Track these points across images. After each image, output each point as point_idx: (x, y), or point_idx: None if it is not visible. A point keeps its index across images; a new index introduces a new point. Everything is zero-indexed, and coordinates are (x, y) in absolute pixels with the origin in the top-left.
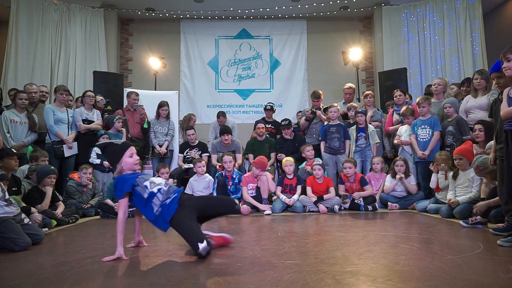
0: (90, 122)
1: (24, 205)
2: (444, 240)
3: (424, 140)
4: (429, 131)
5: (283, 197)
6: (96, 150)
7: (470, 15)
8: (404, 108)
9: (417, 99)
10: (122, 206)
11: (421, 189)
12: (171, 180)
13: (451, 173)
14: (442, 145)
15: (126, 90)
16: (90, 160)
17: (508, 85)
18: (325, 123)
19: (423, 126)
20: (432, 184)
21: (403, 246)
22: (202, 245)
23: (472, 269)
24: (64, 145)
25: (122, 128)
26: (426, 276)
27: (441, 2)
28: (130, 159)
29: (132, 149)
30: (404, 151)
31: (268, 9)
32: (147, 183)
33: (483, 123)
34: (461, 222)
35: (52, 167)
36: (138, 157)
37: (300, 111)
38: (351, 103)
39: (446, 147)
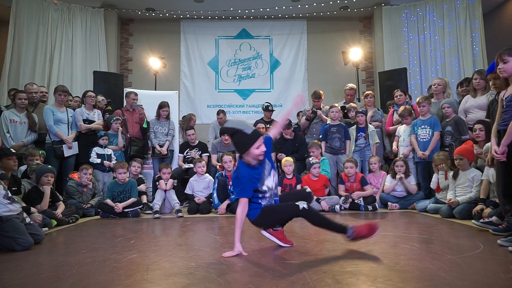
0: (91, 122)
1: (24, 205)
2: (444, 240)
3: (424, 140)
4: (429, 131)
5: None
6: (96, 150)
7: (470, 15)
8: (401, 108)
9: (417, 99)
10: (242, 204)
11: (421, 189)
12: (171, 181)
13: (451, 173)
14: (441, 145)
15: (126, 90)
16: (90, 159)
17: (504, 87)
18: (329, 121)
19: (423, 126)
20: (433, 185)
21: (403, 246)
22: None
23: (472, 269)
24: (64, 145)
25: (119, 128)
26: (426, 276)
27: (441, 2)
28: (256, 150)
29: (261, 140)
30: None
31: (268, 9)
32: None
33: (483, 122)
34: (473, 221)
35: (49, 166)
36: (265, 148)
37: (301, 111)
38: (349, 104)
39: (445, 147)
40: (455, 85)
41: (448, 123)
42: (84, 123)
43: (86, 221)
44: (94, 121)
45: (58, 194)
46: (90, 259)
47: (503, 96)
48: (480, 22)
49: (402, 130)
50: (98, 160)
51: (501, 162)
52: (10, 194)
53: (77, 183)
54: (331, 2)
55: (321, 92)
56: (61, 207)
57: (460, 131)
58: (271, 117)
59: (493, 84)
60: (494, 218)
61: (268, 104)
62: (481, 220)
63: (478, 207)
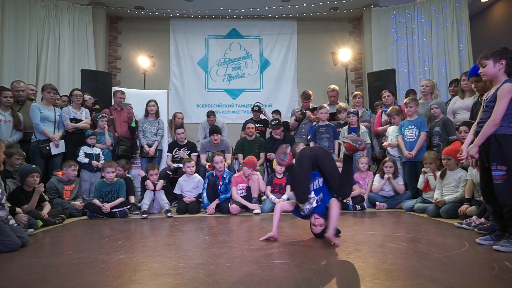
0: (78, 121)
1: (9, 205)
2: (430, 239)
3: (410, 140)
4: (415, 132)
5: (272, 197)
6: (84, 149)
7: (457, 17)
8: (390, 108)
9: (405, 100)
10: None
11: (408, 189)
12: (161, 181)
13: (438, 173)
14: (429, 145)
15: (114, 89)
16: (78, 159)
17: (486, 89)
18: (313, 123)
19: (410, 127)
20: (420, 185)
21: (391, 245)
22: None
23: (458, 267)
24: (50, 143)
25: (105, 126)
26: (413, 275)
27: (429, 4)
28: None
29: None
30: (391, 153)
31: (258, 9)
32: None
33: (469, 124)
34: (456, 223)
35: (34, 166)
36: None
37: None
38: (339, 104)
39: (433, 147)
40: (442, 86)
41: (437, 123)
42: (71, 122)
43: (73, 221)
44: (81, 120)
45: (43, 194)
46: (76, 260)
47: (485, 97)
48: (466, 25)
49: (390, 130)
50: (86, 160)
51: (481, 163)
52: (3, 201)
53: (58, 179)
54: (321, 3)
55: (311, 92)
56: (47, 208)
57: (448, 131)
58: (260, 117)
59: (475, 86)
60: (474, 218)
61: (258, 105)
62: (464, 221)
63: (463, 206)
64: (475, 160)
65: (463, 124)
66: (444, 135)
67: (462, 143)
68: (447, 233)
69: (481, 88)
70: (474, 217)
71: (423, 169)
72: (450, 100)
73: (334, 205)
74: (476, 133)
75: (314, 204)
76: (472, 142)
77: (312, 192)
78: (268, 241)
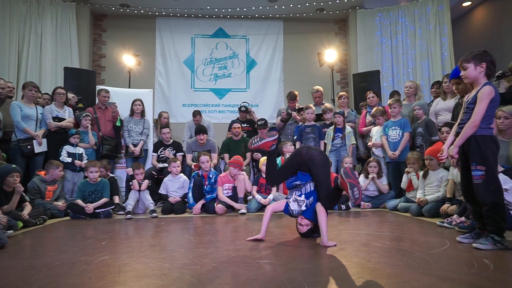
0: (61, 119)
1: None
2: (413, 238)
3: (394, 140)
4: (399, 132)
5: (258, 197)
6: (67, 148)
7: (439, 20)
8: (374, 109)
9: (389, 101)
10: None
11: (392, 188)
12: (146, 181)
13: (421, 173)
14: (412, 146)
15: (99, 87)
16: (60, 158)
17: (467, 91)
18: (300, 123)
19: (393, 127)
20: (403, 185)
21: (375, 244)
22: None
23: (439, 265)
24: (34, 141)
25: (88, 125)
26: (396, 273)
27: (413, 7)
28: None
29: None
30: (375, 154)
31: (245, 9)
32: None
33: (450, 125)
34: (438, 222)
35: (14, 166)
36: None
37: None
38: (325, 104)
39: (416, 147)
40: (425, 88)
41: (419, 124)
42: (54, 120)
43: (54, 222)
44: (64, 119)
45: (24, 194)
46: (58, 262)
47: (466, 99)
48: (448, 28)
49: (375, 131)
50: (69, 159)
51: (462, 164)
52: None
53: (41, 179)
54: (307, 4)
55: (296, 93)
56: (27, 208)
57: (430, 132)
58: (246, 117)
59: (456, 88)
60: (455, 216)
61: (245, 105)
62: (446, 220)
63: (445, 206)
64: (456, 160)
65: (445, 125)
66: (427, 136)
67: (444, 143)
68: (429, 232)
69: (462, 90)
70: (455, 216)
71: (406, 169)
72: (433, 101)
73: (321, 213)
74: (457, 134)
75: (304, 208)
76: (452, 143)
77: (303, 196)
78: (254, 241)
